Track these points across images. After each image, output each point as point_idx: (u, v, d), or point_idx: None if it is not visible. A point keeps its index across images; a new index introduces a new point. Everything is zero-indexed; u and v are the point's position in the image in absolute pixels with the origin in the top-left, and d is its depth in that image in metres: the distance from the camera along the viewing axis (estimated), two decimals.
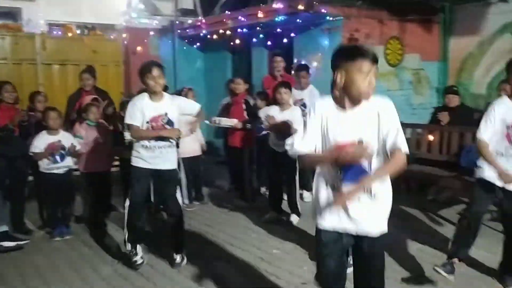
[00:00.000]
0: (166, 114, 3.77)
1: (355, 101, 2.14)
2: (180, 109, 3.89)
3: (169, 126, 3.77)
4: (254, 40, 7.90)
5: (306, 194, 5.93)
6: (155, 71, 3.66)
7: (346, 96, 2.14)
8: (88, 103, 5.18)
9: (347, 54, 2.13)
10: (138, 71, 3.75)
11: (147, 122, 3.73)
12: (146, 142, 3.74)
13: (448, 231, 4.63)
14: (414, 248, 4.20)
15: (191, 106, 4.06)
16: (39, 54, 7.64)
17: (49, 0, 7.97)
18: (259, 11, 6.77)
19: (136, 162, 3.78)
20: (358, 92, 2.10)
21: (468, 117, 5.71)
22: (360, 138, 2.10)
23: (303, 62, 6.63)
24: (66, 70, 7.90)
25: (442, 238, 4.44)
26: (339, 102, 2.18)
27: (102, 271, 3.87)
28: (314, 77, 6.32)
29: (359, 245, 2.24)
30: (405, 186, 6.05)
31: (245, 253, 4.21)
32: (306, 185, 5.95)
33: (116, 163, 5.63)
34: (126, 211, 3.89)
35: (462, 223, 3.57)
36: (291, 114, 4.85)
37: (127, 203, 3.87)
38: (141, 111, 3.72)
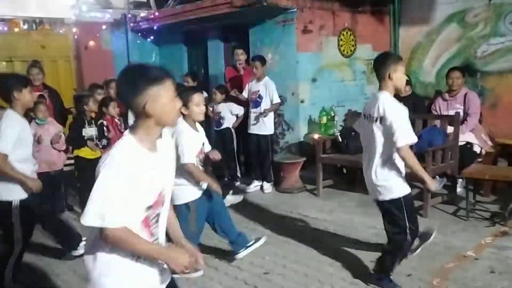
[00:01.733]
0: None
1: None
2: None
3: None
4: (210, 32, 7.84)
5: (266, 185, 5.99)
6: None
7: None
8: (35, 101, 5.00)
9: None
10: None
11: None
12: None
13: None
14: (372, 231, 4.35)
15: None
16: None
17: None
18: (214, 4, 6.72)
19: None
20: None
21: (419, 105, 5.94)
22: None
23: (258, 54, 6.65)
24: (13, 66, 7.57)
25: None
26: None
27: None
28: (269, 69, 6.35)
29: None
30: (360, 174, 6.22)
31: (207, 245, 4.23)
32: (267, 177, 6.02)
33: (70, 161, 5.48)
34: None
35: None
36: None
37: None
38: None
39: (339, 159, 5.70)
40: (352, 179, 5.97)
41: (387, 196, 3.10)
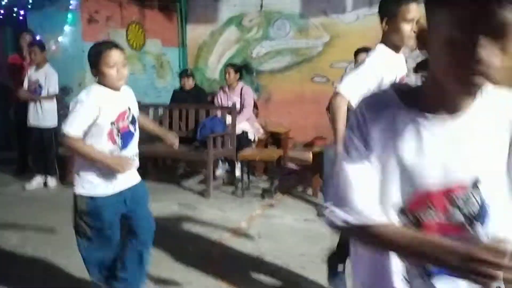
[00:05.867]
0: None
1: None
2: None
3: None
4: None
5: (51, 180, 5.64)
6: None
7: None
8: None
9: None
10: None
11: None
12: None
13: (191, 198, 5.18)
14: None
15: None
16: None
17: None
18: None
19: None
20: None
21: (202, 97, 6.50)
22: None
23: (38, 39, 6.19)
24: None
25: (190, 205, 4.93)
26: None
27: None
28: (51, 57, 5.98)
29: None
30: (151, 165, 6.38)
31: None
32: (51, 170, 5.68)
33: None
34: None
35: None
36: None
37: None
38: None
39: None
40: None
41: None
